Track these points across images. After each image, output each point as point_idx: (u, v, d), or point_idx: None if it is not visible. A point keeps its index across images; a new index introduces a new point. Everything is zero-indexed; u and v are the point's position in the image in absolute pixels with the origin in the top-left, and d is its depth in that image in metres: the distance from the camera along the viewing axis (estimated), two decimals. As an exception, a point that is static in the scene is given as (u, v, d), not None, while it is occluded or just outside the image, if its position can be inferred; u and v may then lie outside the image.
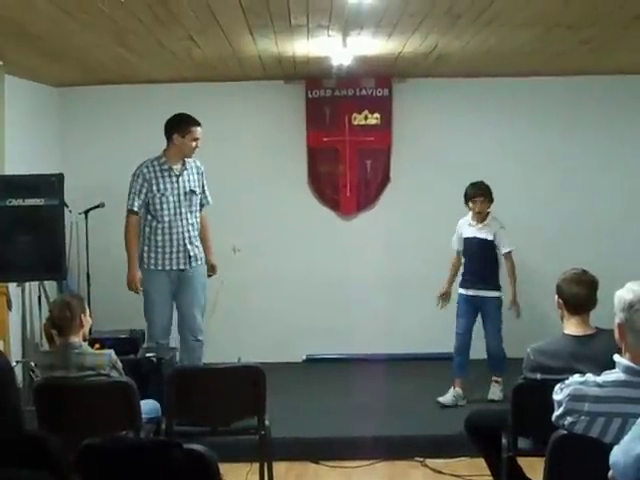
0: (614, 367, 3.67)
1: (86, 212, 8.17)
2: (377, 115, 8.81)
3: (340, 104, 8.81)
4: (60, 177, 6.80)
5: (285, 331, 8.84)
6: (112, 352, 4.90)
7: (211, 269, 7.39)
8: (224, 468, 5.73)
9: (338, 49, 6.88)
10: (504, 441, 4.67)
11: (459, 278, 7.52)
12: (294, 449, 6.26)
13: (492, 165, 8.59)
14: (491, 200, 7.29)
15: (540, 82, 8.68)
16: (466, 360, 7.35)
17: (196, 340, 7.08)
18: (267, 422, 5.18)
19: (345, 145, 8.83)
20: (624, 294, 3.44)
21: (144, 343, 6.26)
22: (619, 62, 7.90)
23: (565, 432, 3.50)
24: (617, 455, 3.04)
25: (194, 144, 6.98)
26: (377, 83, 8.80)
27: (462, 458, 6.09)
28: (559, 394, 3.58)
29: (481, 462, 5.27)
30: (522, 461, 4.91)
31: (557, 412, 3.56)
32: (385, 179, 8.92)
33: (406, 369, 8.37)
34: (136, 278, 6.95)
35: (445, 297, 7.59)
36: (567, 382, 3.57)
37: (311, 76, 8.67)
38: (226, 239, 8.61)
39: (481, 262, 7.32)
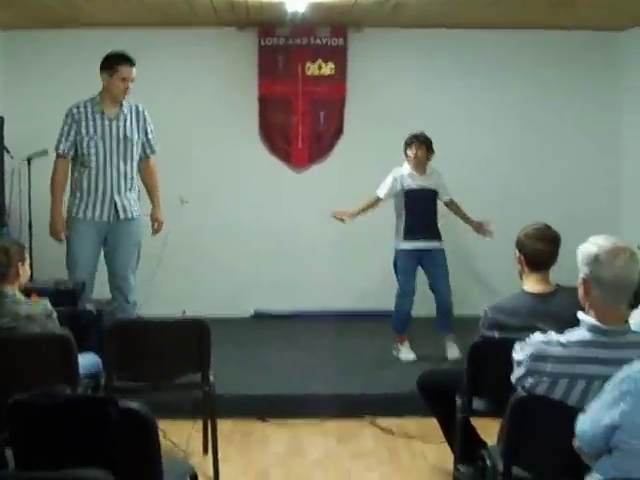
0: (576, 325, 3.52)
1: (29, 159, 7.85)
2: (331, 65, 8.57)
3: (293, 53, 8.55)
4: (0, 120, 6.46)
5: (233, 285, 8.64)
6: (47, 301, 4.65)
7: (155, 225, 6.96)
8: (167, 425, 5.66)
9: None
10: (458, 401, 4.49)
11: (391, 233, 7.37)
12: (240, 406, 6.05)
13: (446, 119, 8.45)
14: (430, 150, 7.14)
15: (499, 35, 8.48)
16: (409, 317, 7.27)
17: (127, 301, 6.68)
18: (211, 378, 4.97)
19: (298, 95, 8.58)
20: (588, 247, 3.26)
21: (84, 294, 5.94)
22: (580, 17, 7.72)
23: (526, 394, 3.31)
24: (584, 425, 2.86)
25: (123, 85, 6.45)
26: (332, 32, 8.54)
27: (412, 417, 5.93)
28: (519, 353, 3.39)
29: (432, 421, 5.10)
30: (475, 422, 4.73)
31: (517, 373, 3.37)
32: (338, 131, 8.70)
33: (356, 326, 8.20)
34: (59, 225, 6.54)
35: (339, 217, 7.39)
36: (528, 341, 3.38)
37: (264, 23, 8.40)
38: (173, 190, 8.38)
39: (428, 213, 7.17)
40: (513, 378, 3.41)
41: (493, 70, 8.61)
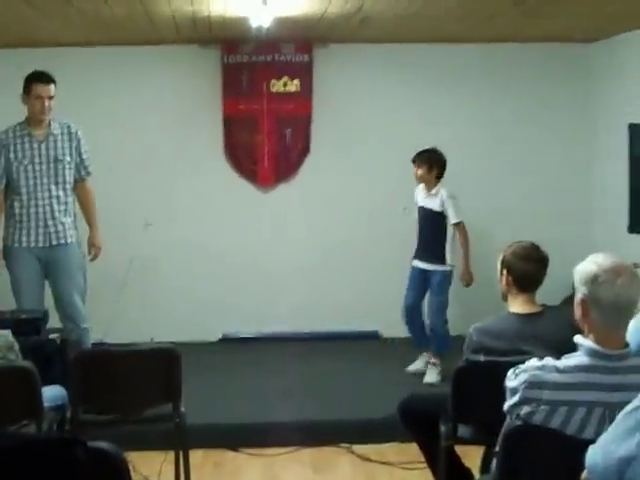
0: (564, 347, 3.35)
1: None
2: (297, 82, 8.36)
3: (258, 70, 8.32)
4: None
5: (199, 309, 8.38)
6: (9, 333, 4.42)
7: (92, 250, 6.69)
8: (136, 457, 5.40)
9: (257, 8, 6.44)
10: (442, 428, 4.30)
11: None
12: (211, 436, 5.83)
13: (416, 135, 8.23)
14: (430, 167, 7.00)
15: (467, 49, 8.32)
16: (421, 334, 7.15)
17: (79, 328, 6.44)
18: (183, 409, 4.73)
19: (263, 113, 8.35)
20: (587, 267, 3.08)
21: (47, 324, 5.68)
22: (552, 28, 7.58)
23: (520, 423, 3.12)
24: (595, 456, 2.65)
25: (39, 103, 6.19)
26: (297, 48, 8.34)
27: (391, 443, 5.75)
28: (513, 380, 3.20)
29: (412, 447, 4.94)
30: (457, 448, 4.54)
31: (511, 401, 3.18)
32: (305, 149, 8.48)
33: (328, 348, 7.97)
34: None
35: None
36: (523, 367, 3.19)
37: (228, 40, 8.18)
38: (137, 212, 8.23)
39: (427, 233, 7.07)
40: (506, 406, 3.22)
41: (462, 84, 8.43)
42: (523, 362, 3.33)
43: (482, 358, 4.08)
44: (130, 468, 2.91)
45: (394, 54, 8.35)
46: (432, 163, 6.98)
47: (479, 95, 8.47)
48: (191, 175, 8.37)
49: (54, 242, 6.35)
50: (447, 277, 6.98)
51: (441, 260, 6.94)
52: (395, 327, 8.18)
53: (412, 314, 7.09)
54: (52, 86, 6.25)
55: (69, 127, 6.46)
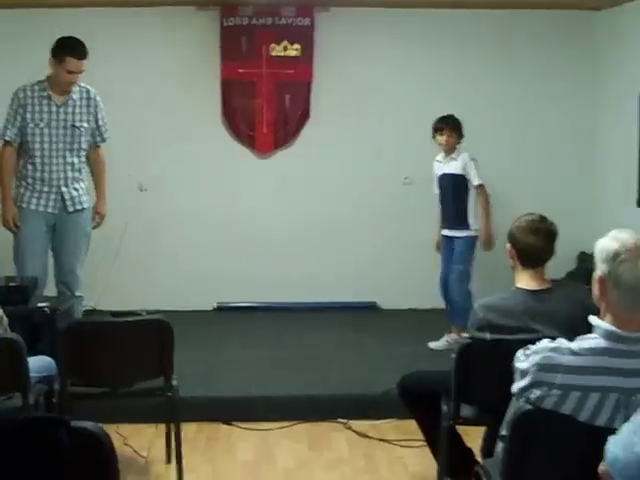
0: (575, 326, 3.19)
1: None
2: (297, 46, 8.14)
3: (257, 33, 8.11)
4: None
5: (194, 277, 8.20)
6: (-3, 307, 4.25)
7: (96, 217, 6.47)
8: (127, 430, 5.30)
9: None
10: (444, 408, 4.13)
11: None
12: (204, 409, 5.66)
13: (418, 100, 8.10)
14: (458, 134, 6.85)
15: (473, 15, 8.12)
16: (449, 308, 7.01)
17: (73, 295, 6.27)
18: (175, 382, 4.56)
19: (262, 78, 8.15)
20: (607, 243, 2.89)
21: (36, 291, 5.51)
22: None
23: (530, 407, 2.95)
24: (615, 449, 2.47)
25: (68, 77, 6.01)
26: (298, 12, 8.12)
27: (389, 420, 5.59)
28: (523, 362, 3.02)
29: (410, 424, 4.78)
30: (457, 427, 4.38)
31: (521, 383, 3.00)
32: (305, 115, 8.27)
33: (326, 319, 7.83)
34: (11, 214, 6.12)
35: (438, 247, 7.13)
36: (534, 348, 3.02)
37: (226, 2, 7.96)
38: (132, 177, 8.03)
39: (450, 199, 6.90)
40: (515, 388, 3.05)
41: (465, 51, 8.24)
42: (532, 341, 3.17)
43: (488, 336, 3.91)
44: (114, 443, 2.73)
45: (396, 19, 8.14)
46: (456, 128, 6.84)
47: (483, 62, 8.27)
48: (187, 140, 8.16)
49: (69, 209, 6.20)
50: (470, 244, 6.83)
51: (464, 225, 6.80)
52: (394, 299, 8.10)
53: (444, 286, 6.94)
54: (85, 61, 6.05)
55: (88, 91, 6.27)
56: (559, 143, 8.33)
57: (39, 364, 4.41)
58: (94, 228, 6.49)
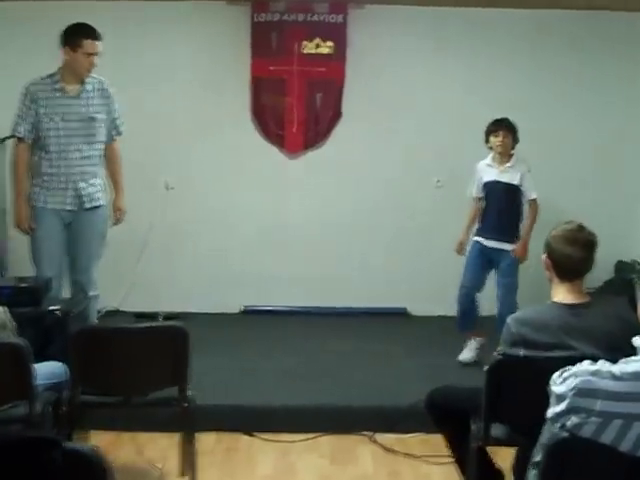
0: (615, 344, 2.94)
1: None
2: (330, 44, 7.90)
3: (289, 30, 7.87)
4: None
5: (221, 279, 7.99)
6: (4, 310, 4.05)
7: (117, 213, 6.27)
8: (144, 438, 5.10)
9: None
10: (474, 427, 3.90)
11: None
12: (224, 418, 5.44)
13: (453, 101, 7.84)
14: (515, 139, 6.51)
15: (511, 14, 7.83)
16: (470, 319, 6.58)
17: (86, 296, 6.04)
18: (190, 392, 4.35)
19: (293, 75, 7.91)
20: None
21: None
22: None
23: (567, 434, 2.71)
24: None
25: (88, 61, 5.78)
26: (331, 8, 7.87)
27: (416, 434, 5.35)
28: (560, 385, 2.78)
29: (438, 439, 4.56)
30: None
31: (557, 408, 2.76)
32: (336, 115, 8.02)
33: (353, 325, 7.58)
34: (23, 215, 5.92)
35: (460, 248, 6.75)
36: (572, 370, 2.77)
37: (258, -3, 7.77)
38: (158, 176, 7.84)
39: (502, 210, 6.51)
40: (550, 413, 2.81)
41: (504, 51, 7.96)
42: (568, 358, 2.94)
43: (522, 352, 3.67)
44: (128, 453, 2.52)
45: (433, 17, 7.88)
46: (512, 131, 6.50)
47: (525, 63, 7.98)
48: (216, 138, 7.96)
49: (87, 205, 5.98)
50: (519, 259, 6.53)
51: (516, 238, 6.47)
52: (425, 305, 7.86)
53: (471, 295, 6.55)
54: (101, 43, 5.85)
55: (102, 83, 6.05)
56: (596, 149, 8.04)
57: (48, 370, 4.23)
58: (114, 224, 6.29)
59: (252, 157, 8.03)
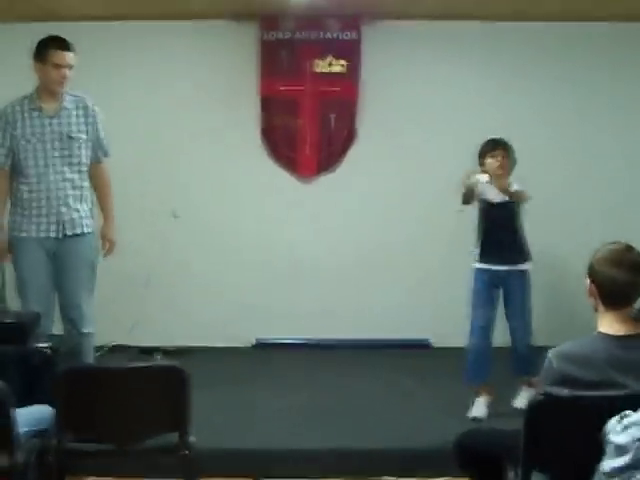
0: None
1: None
2: (343, 62, 7.53)
3: (300, 48, 7.50)
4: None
5: (232, 311, 7.56)
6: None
7: (105, 243, 5.83)
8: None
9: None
10: (510, 475, 3.45)
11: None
12: (233, 462, 5.00)
13: (474, 123, 7.38)
14: (513, 160, 6.02)
15: (532, 28, 7.43)
16: (488, 361, 5.92)
17: (79, 333, 5.57)
18: (192, 438, 3.91)
19: (305, 95, 7.54)
20: None
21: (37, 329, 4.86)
22: (631, 6, 6.69)
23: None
24: None
25: (57, 73, 5.39)
26: (344, 25, 7.49)
27: (443, 478, 4.88)
28: (620, 434, 2.36)
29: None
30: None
31: (617, 462, 2.34)
32: (351, 136, 7.64)
33: (372, 358, 7.15)
34: (1, 248, 5.56)
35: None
36: (634, 418, 2.33)
37: (266, 14, 7.38)
38: (164, 202, 7.50)
39: (508, 229, 5.99)
40: (608, 467, 2.39)
41: (525, 67, 7.55)
42: (618, 397, 2.49)
43: (565, 391, 3.21)
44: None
45: (449, 33, 7.48)
46: (510, 151, 6.01)
47: (540, 78, 7.57)
48: (224, 162, 7.59)
49: (68, 232, 5.54)
50: (530, 278, 6.01)
51: (526, 255, 5.98)
52: (448, 336, 7.37)
53: (487, 337, 5.95)
54: (72, 54, 5.47)
55: (84, 100, 5.64)
56: (623, 167, 7.62)
57: (34, 416, 3.83)
58: (104, 256, 5.85)
59: (263, 181, 7.66)
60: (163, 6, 7.01)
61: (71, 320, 5.56)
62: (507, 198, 5.93)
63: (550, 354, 3.33)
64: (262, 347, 7.66)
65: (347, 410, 5.85)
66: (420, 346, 7.55)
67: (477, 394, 5.89)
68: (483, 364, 5.90)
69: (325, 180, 7.72)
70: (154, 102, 7.45)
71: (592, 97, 7.57)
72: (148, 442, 3.90)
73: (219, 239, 7.63)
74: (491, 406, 5.80)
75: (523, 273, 5.97)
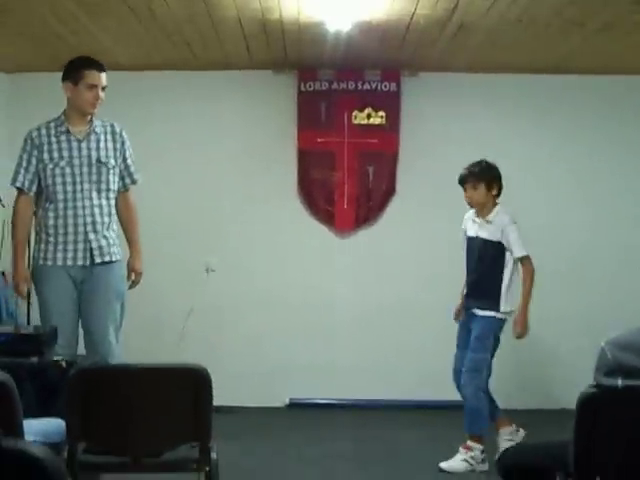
0: None
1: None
2: (382, 114, 7.40)
3: (338, 99, 7.39)
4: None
5: (265, 369, 7.37)
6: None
7: (133, 274, 5.59)
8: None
9: (334, 9, 5.59)
10: (562, 484, 3.12)
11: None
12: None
13: (518, 176, 7.16)
14: (488, 186, 5.67)
15: (568, 80, 7.31)
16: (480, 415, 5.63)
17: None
18: (214, 454, 3.61)
19: (343, 148, 7.40)
20: None
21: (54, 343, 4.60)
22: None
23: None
24: None
25: (91, 94, 5.25)
26: (383, 76, 7.40)
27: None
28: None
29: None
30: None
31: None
32: (390, 190, 7.47)
33: (412, 420, 6.86)
34: (20, 279, 5.32)
35: (457, 315, 5.91)
36: None
37: (304, 64, 7.28)
38: (198, 257, 7.35)
39: (479, 268, 5.67)
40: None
41: (569, 121, 7.42)
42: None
43: (620, 382, 2.91)
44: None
45: (491, 85, 7.43)
46: (490, 180, 5.68)
47: (588, 132, 7.44)
48: (260, 216, 7.45)
49: (97, 260, 5.31)
50: (493, 327, 5.57)
51: (493, 304, 5.55)
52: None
53: (458, 378, 5.70)
54: (105, 74, 5.34)
55: (112, 126, 5.48)
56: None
57: (45, 427, 3.55)
58: (130, 288, 5.60)
59: (299, 236, 7.52)
60: (200, 56, 6.94)
61: (99, 354, 5.25)
62: (480, 235, 5.65)
63: (603, 343, 3.02)
64: (296, 407, 7.38)
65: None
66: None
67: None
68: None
69: (363, 235, 7.54)
70: (189, 154, 7.39)
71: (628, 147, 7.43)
72: (165, 456, 3.62)
73: (254, 295, 7.44)
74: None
75: (485, 319, 5.60)
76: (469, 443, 5.48)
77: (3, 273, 6.76)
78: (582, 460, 2.98)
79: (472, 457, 5.43)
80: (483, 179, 5.67)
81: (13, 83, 7.44)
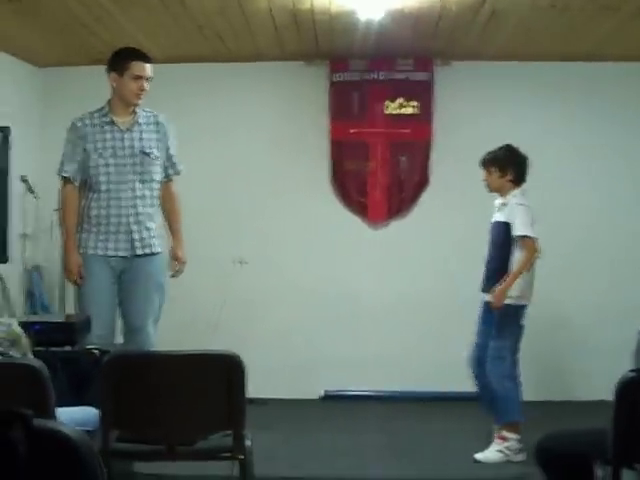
0: None
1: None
2: (415, 103, 7.35)
3: (371, 89, 7.37)
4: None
5: (299, 361, 7.34)
6: (13, 322, 3.39)
7: (175, 263, 5.56)
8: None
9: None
10: (599, 473, 3.07)
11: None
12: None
13: (554, 166, 7.12)
14: (502, 170, 5.54)
15: (602, 67, 7.22)
16: (484, 393, 5.57)
17: None
18: (248, 442, 3.59)
19: (376, 138, 7.38)
20: None
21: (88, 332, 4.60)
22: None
23: None
24: None
25: (136, 85, 5.24)
26: (415, 65, 7.35)
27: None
28: None
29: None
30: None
31: None
32: (423, 180, 7.42)
33: (447, 412, 6.76)
34: (73, 264, 5.27)
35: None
36: None
37: (336, 54, 7.25)
38: (231, 249, 7.27)
39: (491, 254, 5.57)
40: None
41: (602, 107, 7.34)
42: None
43: (659, 366, 2.87)
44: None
45: (524, 73, 7.36)
46: (504, 165, 5.55)
47: (619, 119, 7.34)
48: (292, 207, 7.44)
49: (139, 251, 5.32)
50: (508, 313, 5.42)
51: (493, 285, 5.46)
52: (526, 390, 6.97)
53: (475, 366, 5.59)
54: (150, 66, 5.34)
55: (156, 117, 5.47)
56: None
57: (78, 416, 3.54)
58: (173, 276, 5.61)
59: (332, 227, 7.47)
60: (231, 48, 6.94)
61: (137, 345, 5.25)
62: (496, 218, 5.57)
63: (641, 328, 2.99)
64: (331, 399, 7.35)
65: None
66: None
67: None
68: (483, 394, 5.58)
69: (396, 226, 7.49)
70: (222, 145, 7.38)
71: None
72: (199, 444, 3.60)
73: (287, 287, 7.42)
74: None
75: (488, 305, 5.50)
76: (504, 433, 5.39)
77: (38, 267, 6.78)
78: (621, 446, 2.93)
79: (507, 447, 5.34)
80: (496, 164, 5.57)
81: (45, 77, 7.46)
